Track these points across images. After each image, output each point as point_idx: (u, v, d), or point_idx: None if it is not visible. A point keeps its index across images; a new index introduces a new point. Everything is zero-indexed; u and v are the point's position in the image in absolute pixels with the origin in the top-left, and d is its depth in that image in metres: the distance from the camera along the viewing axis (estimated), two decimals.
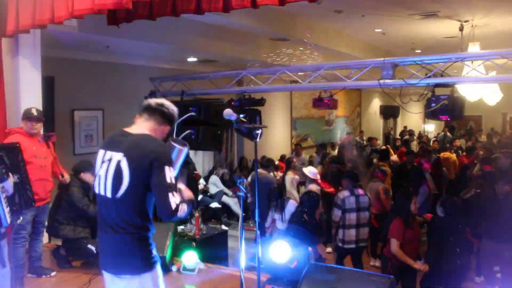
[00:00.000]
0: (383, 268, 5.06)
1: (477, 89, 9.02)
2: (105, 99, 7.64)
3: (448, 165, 9.08)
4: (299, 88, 7.36)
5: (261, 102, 6.60)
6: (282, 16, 7.66)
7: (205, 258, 4.87)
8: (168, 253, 4.59)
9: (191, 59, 8.54)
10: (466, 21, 8.38)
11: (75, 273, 4.71)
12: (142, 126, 2.57)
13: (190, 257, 4.65)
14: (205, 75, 7.03)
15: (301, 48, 8.10)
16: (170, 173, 2.40)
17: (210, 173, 9.81)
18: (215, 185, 9.30)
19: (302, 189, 7.31)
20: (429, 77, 5.12)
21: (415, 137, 16.39)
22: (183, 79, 7.32)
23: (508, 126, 18.32)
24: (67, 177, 4.73)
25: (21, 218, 3.89)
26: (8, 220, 3.37)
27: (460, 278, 4.90)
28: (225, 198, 9.19)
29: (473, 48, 8.27)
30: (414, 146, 14.46)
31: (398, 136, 17.09)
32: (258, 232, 3.15)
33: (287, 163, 8.36)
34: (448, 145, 12.85)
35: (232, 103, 6.45)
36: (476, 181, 6.43)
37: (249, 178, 7.74)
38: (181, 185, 2.56)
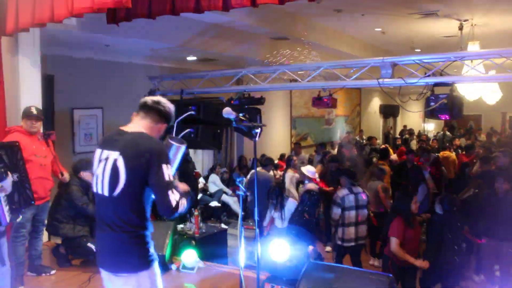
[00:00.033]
0: (383, 268, 5.06)
1: (477, 88, 9.03)
2: (105, 98, 7.65)
3: (448, 164, 9.08)
4: (298, 87, 7.36)
5: (261, 101, 6.60)
6: (281, 15, 7.66)
7: (204, 257, 4.88)
8: (167, 252, 4.59)
9: (191, 58, 8.54)
10: (465, 20, 8.38)
11: (75, 271, 4.72)
12: (138, 125, 2.57)
13: (190, 256, 4.65)
14: (205, 74, 7.04)
15: (299, 49, 8.10)
16: (168, 171, 2.40)
17: (210, 172, 9.82)
18: (214, 184, 9.31)
19: (300, 188, 7.31)
20: (428, 76, 5.12)
21: (414, 136, 16.39)
22: (182, 78, 7.32)
23: (507, 125, 18.32)
24: (66, 176, 4.73)
25: (21, 217, 3.89)
26: (7, 218, 3.38)
27: (458, 276, 4.92)
28: (224, 197, 9.20)
29: (473, 47, 8.28)
30: (414, 145, 14.47)
31: (398, 136, 17.09)
32: (258, 231, 3.16)
33: (287, 161, 8.38)
34: (447, 144, 12.85)
35: (232, 102, 6.46)
36: (476, 181, 6.44)
37: (248, 177, 7.75)
38: (175, 180, 2.57)
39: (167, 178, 2.38)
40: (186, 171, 7.14)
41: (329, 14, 7.93)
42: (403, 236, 4.63)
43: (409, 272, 4.75)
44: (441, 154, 9.62)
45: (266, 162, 7.66)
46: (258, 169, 7.31)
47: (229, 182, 9.56)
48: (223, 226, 7.40)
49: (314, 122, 14.32)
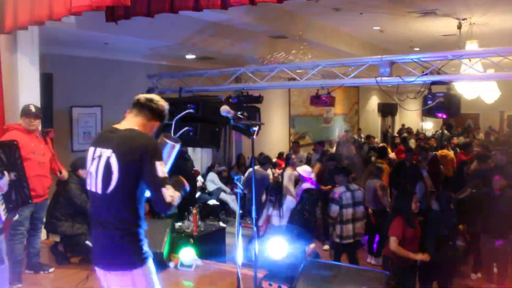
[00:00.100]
0: (383, 268, 5.06)
1: (475, 87, 9.03)
2: (104, 96, 7.64)
3: (446, 163, 9.10)
4: (296, 86, 7.38)
5: (259, 99, 6.61)
6: (280, 14, 7.67)
7: (202, 255, 4.89)
8: (165, 250, 4.60)
9: (189, 56, 8.54)
10: (464, 19, 8.38)
11: (73, 269, 4.73)
12: (131, 122, 2.58)
13: (188, 254, 4.66)
14: (203, 72, 7.05)
15: (294, 51, 8.10)
16: (161, 167, 2.41)
17: (208, 170, 9.83)
18: (213, 182, 9.32)
19: (295, 188, 7.35)
20: (426, 74, 5.14)
21: (413, 135, 16.40)
22: (181, 76, 7.33)
23: (505, 124, 18.36)
24: (65, 174, 4.74)
25: (17, 215, 3.90)
26: (3, 217, 3.38)
27: (454, 272, 4.93)
28: (223, 195, 9.21)
29: (471, 46, 8.27)
30: (413, 144, 14.48)
31: (396, 134, 17.10)
32: (255, 229, 3.17)
33: (286, 160, 8.41)
34: (445, 142, 12.87)
35: (230, 100, 6.47)
36: (473, 180, 6.47)
37: (246, 175, 7.77)
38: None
39: (160, 174, 2.39)
40: (185, 169, 7.14)
41: (327, 13, 7.93)
42: (402, 235, 4.63)
43: (409, 272, 4.76)
44: (439, 152, 9.63)
45: (264, 160, 7.68)
46: (256, 167, 7.33)
47: (227, 180, 9.57)
48: (221, 224, 7.41)
49: (313, 121, 14.33)
